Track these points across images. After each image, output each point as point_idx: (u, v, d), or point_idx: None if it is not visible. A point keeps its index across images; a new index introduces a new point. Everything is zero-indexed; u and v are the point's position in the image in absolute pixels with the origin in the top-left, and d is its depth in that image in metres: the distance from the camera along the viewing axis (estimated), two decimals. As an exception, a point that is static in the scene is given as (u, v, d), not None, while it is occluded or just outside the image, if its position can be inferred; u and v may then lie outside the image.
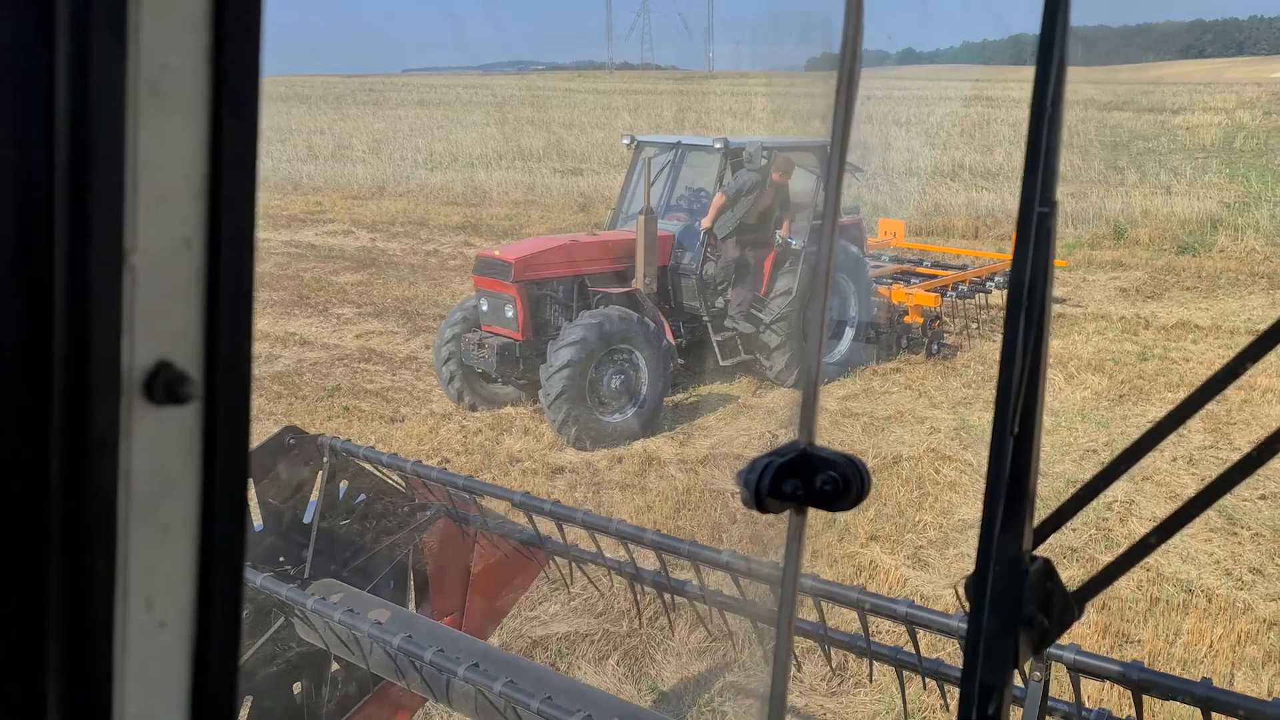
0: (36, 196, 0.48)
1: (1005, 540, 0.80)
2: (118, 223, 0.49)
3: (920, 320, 10.49)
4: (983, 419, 9.08)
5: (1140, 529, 7.08)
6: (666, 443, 8.59)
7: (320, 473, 3.53)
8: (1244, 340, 11.53)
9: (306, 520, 3.51)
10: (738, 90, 57.35)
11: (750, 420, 9.11)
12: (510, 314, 8.59)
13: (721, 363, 9.60)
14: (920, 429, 8.82)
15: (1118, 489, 7.29)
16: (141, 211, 0.50)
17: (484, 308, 8.86)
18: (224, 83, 0.51)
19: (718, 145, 9.29)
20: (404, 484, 3.70)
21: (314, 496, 3.56)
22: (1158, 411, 9.20)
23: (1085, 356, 10.62)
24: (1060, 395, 9.60)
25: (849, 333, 10.22)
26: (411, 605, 3.78)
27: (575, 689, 2.94)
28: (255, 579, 2.99)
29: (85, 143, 0.48)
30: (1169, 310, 12.62)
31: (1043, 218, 0.77)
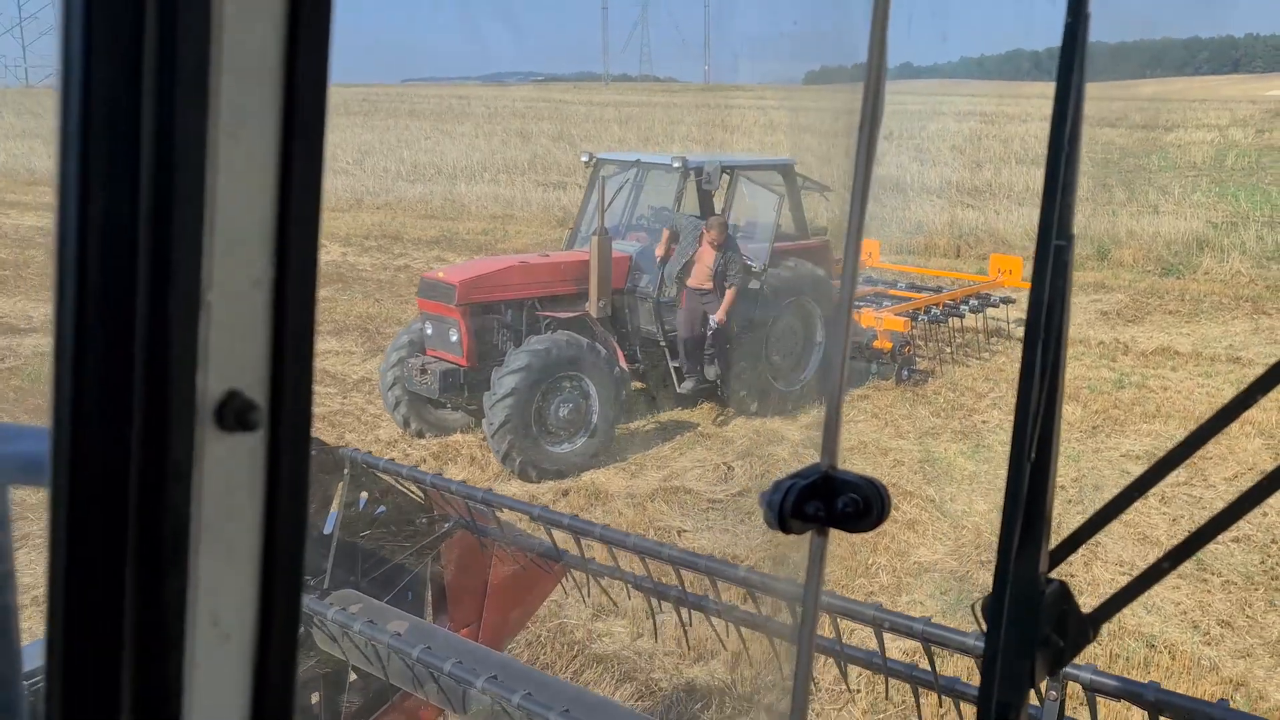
0: (122, 241, 0.51)
1: (1022, 563, 0.81)
2: (196, 264, 0.53)
3: (889, 346, 10.14)
4: (949, 450, 8.72)
5: (1105, 574, 6.72)
6: (617, 474, 8.22)
7: (340, 484, 3.54)
8: (1224, 368, 11.19)
9: (326, 531, 3.53)
10: (731, 104, 57.13)
11: (707, 450, 8.75)
12: (454, 339, 8.23)
13: (679, 389, 9.23)
14: (883, 461, 8.45)
15: (1083, 530, 6.93)
16: (217, 254, 0.54)
17: (428, 332, 8.51)
18: (292, 133, 0.54)
19: (676, 164, 8.95)
20: (423, 496, 3.73)
21: (334, 508, 3.59)
22: (1131, 444, 8.85)
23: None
24: (1031, 426, 9.24)
25: (815, 358, 9.86)
26: (429, 616, 3.80)
27: (594, 702, 2.98)
28: None
29: (168, 192, 0.52)
30: (1150, 335, 12.26)
31: (1059, 250, 0.79)
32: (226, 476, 0.56)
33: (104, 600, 0.53)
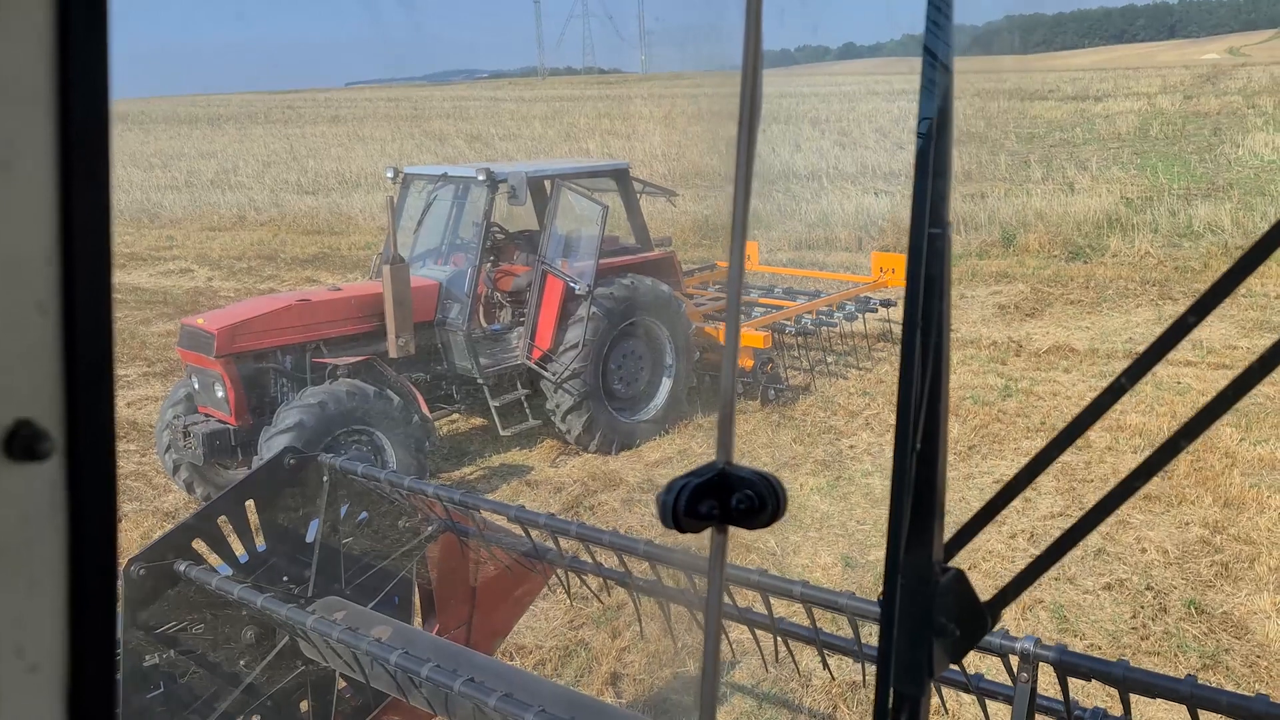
0: None
1: (914, 553, 0.82)
2: None
3: (750, 364, 9.13)
4: (805, 486, 7.74)
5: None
6: (416, 541, 7.15)
7: (321, 492, 3.51)
8: (1120, 366, 10.23)
9: (309, 539, 3.49)
10: (665, 93, 56.19)
11: (531, 500, 7.69)
12: (220, 394, 7.11)
13: (502, 433, 8.17)
14: (726, 505, 7.44)
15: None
16: None
17: (195, 386, 7.39)
18: (72, 153, 0.53)
19: (481, 176, 7.87)
20: (404, 500, 3.70)
21: (316, 516, 3.55)
22: (1008, 466, 7.91)
23: (941, 395, 9.30)
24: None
25: (666, 384, 8.83)
26: (417, 621, 3.77)
27: (573, 699, 2.98)
28: (257, 599, 2.99)
29: None
30: (1046, 331, 11.36)
31: (933, 238, 0.79)
32: (19, 508, 0.54)
33: None
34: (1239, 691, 2.42)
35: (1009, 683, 2.27)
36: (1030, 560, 0.85)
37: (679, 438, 8.82)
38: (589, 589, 3.50)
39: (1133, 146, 25.85)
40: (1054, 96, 44.39)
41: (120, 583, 3.09)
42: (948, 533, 0.86)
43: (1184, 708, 2.03)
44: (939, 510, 0.82)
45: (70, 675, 0.57)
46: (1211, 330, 10.90)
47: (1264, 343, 8.77)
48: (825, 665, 2.87)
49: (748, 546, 6.85)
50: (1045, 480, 7.59)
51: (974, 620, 0.85)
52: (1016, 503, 7.72)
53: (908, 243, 0.80)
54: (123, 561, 3.15)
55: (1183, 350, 10.27)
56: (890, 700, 0.82)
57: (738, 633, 3.35)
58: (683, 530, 0.69)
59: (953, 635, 0.84)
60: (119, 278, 17.05)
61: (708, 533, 0.80)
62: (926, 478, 0.81)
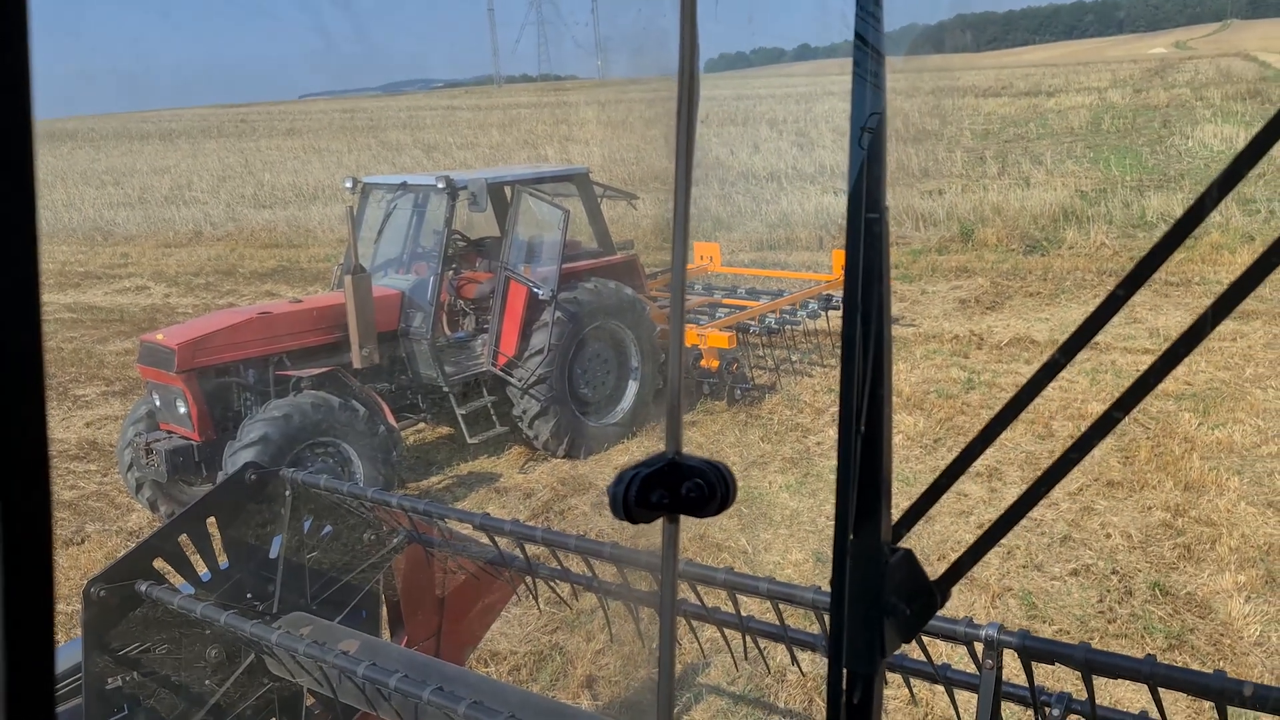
0: None
1: (863, 533, 0.82)
2: None
3: (716, 364, 9.16)
4: (774, 484, 7.77)
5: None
6: (386, 552, 7.09)
7: (283, 507, 3.49)
8: (1080, 355, 10.44)
9: (272, 555, 3.48)
10: (623, 98, 56.24)
11: (500, 508, 7.67)
12: (183, 410, 7.01)
13: (470, 440, 8.12)
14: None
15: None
16: None
17: (157, 403, 7.28)
18: None
19: (441, 184, 7.83)
20: (368, 512, 3.67)
21: (279, 531, 3.53)
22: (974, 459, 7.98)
23: (906, 391, 9.39)
24: (868, 444, 8.34)
25: (632, 386, 8.83)
26: (386, 634, 3.76)
27: (542, 705, 3.00)
28: (220, 617, 2.97)
29: None
30: (1007, 323, 11.49)
31: (870, 223, 0.80)
32: None
33: None
34: (1203, 669, 2.46)
35: (976, 671, 2.29)
36: (972, 544, 0.86)
37: (647, 440, 8.82)
38: (558, 594, 3.49)
39: (1085, 140, 26.22)
40: (1007, 93, 44.91)
41: (80, 605, 3.04)
42: (897, 514, 0.86)
43: (1146, 688, 2.06)
44: (885, 492, 0.83)
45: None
46: (1169, 318, 11.09)
47: (1221, 329, 8.95)
48: (794, 660, 2.88)
49: (719, 545, 6.87)
50: (1011, 470, 7.68)
51: (924, 598, 0.86)
52: (983, 493, 7.81)
53: (845, 229, 0.80)
54: (83, 583, 3.09)
55: (1141, 339, 10.44)
56: (844, 680, 0.83)
57: (710, 632, 3.38)
58: (634, 520, 0.69)
59: (903, 614, 0.85)
60: (73, 297, 16.78)
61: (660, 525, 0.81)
62: (872, 461, 0.82)
